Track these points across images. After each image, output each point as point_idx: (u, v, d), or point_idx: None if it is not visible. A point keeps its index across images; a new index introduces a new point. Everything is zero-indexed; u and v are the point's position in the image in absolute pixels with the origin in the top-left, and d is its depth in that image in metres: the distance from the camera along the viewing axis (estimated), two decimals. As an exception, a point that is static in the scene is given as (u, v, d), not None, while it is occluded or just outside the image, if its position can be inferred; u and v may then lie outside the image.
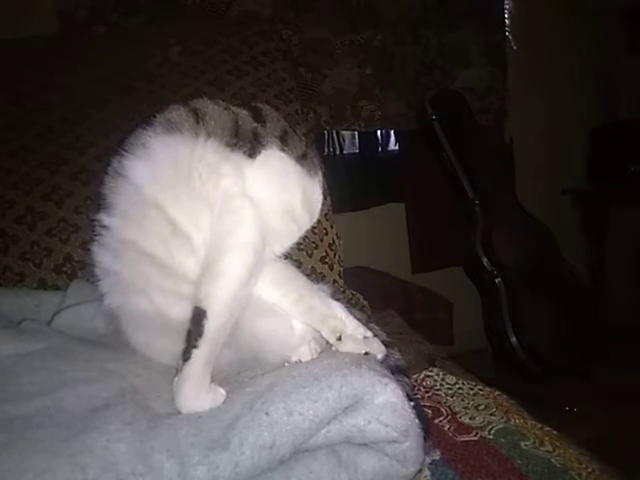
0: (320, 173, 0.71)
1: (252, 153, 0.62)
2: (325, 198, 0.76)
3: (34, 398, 0.54)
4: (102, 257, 0.64)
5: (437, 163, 2.30)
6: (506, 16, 2.58)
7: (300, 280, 0.67)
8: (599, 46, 2.66)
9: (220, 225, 0.58)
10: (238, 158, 0.61)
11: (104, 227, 0.63)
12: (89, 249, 0.66)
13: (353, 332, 0.63)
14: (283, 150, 0.65)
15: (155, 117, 0.63)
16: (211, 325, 0.55)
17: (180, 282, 0.59)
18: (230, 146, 0.61)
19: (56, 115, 1.15)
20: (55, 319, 0.76)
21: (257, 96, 1.21)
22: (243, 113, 0.65)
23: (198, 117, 0.62)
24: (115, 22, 1.94)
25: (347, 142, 2.44)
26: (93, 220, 0.64)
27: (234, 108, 0.66)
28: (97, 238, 0.64)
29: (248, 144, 0.62)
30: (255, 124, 0.65)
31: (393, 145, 2.53)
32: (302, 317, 0.64)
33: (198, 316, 0.55)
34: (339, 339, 0.63)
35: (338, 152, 2.42)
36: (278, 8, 2.12)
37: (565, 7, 2.62)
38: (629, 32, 2.70)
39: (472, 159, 2.24)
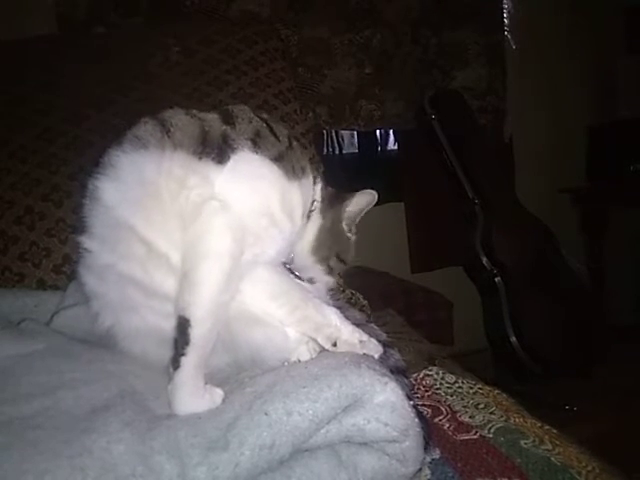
0: (306, 174, 0.69)
1: (221, 158, 0.61)
2: (317, 199, 0.75)
3: (34, 399, 0.54)
4: (87, 279, 0.64)
5: (437, 163, 2.30)
6: (505, 16, 2.58)
7: (294, 290, 0.66)
8: (598, 46, 2.67)
9: (191, 234, 0.58)
10: (206, 166, 0.60)
11: (86, 250, 0.63)
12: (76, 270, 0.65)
13: (348, 337, 0.63)
14: (255, 152, 0.63)
15: (126, 134, 0.62)
16: (196, 332, 0.55)
17: (165, 302, 0.59)
18: (197, 154, 0.60)
19: (55, 115, 1.15)
20: (54, 319, 0.76)
21: (256, 96, 1.21)
22: (211, 117, 0.64)
23: (164, 130, 0.61)
24: (114, 23, 1.94)
25: (346, 142, 2.44)
26: (77, 242, 0.64)
27: (202, 114, 0.65)
28: (81, 260, 0.64)
29: (216, 150, 0.61)
30: (225, 127, 0.64)
31: (392, 145, 2.53)
32: (298, 327, 0.64)
33: (182, 325, 0.55)
34: (335, 345, 0.63)
35: (337, 152, 2.42)
36: (277, 8, 2.12)
37: (564, 7, 2.62)
38: (628, 32, 2.71)
39: (472, 158, 2.24)
